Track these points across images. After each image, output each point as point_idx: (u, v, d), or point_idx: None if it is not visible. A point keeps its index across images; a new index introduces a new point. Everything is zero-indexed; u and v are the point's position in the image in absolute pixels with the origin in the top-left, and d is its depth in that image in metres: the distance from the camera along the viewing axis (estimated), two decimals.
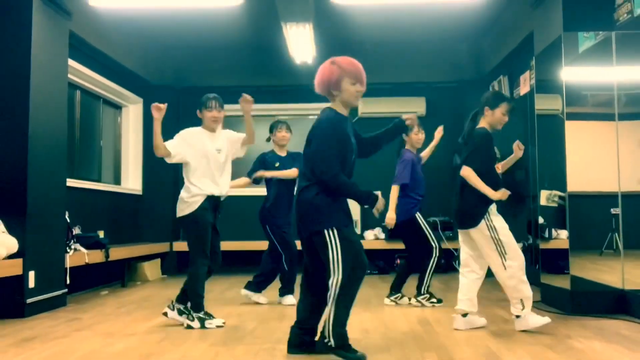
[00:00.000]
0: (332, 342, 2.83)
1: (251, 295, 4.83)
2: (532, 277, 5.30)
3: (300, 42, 5.99)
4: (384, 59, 7.47)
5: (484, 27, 6.88)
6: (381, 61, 7.46)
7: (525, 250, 6.08)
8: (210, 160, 3.92)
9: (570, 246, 4.25)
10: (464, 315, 3.65)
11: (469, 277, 3.72)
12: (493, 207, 3.62)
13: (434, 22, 6.56)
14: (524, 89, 6.18)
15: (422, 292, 4.62)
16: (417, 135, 4.70)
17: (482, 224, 3.56)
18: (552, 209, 4.63)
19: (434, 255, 4.57)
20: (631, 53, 4.23)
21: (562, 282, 4.31)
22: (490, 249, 3.57)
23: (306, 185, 2.93)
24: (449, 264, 7.20)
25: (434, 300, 4.61)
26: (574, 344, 3.16)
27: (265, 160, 4.86)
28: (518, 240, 6.33)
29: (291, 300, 4.71)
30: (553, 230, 4.67)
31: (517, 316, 3.56)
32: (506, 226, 3.59)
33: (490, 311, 4.22)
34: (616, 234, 4.25)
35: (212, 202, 3.89)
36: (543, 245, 4.83)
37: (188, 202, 3.85)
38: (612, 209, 4.27)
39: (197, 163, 3.92)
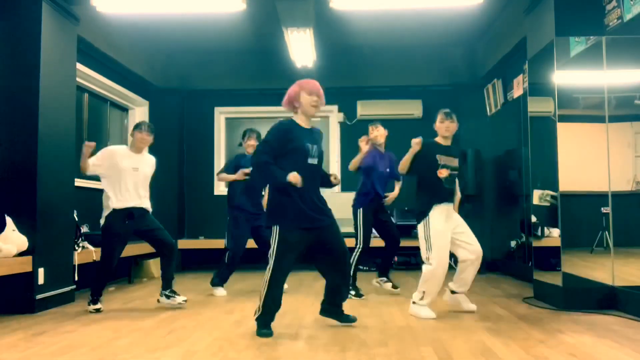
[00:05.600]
0: None
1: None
2: (525, 274, 5.36)
3: (301, 47, 6.04)
4: (382, 63, 7.53)
5: (479, 33, 6.93)
6: (379, 65, 7.52)
7: (518, 248, 6.15)
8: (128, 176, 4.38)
9: (562, 244, 4.27)
10: (452, 292, 4.20)
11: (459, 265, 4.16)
12: (436, 208, 3.97)
13: (430, 27, 6.61)
14: (517, 92, 6.22)
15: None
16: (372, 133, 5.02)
17: (421, 223, 4.01)
18: (545, 208, 4.66)
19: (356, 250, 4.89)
20: (621, 57, 4.24)
21: (554, 279, 4.33)
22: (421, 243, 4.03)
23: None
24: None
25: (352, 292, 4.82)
26: (565, 338, 3.20)
27: (239, 165, 5.20)
28: (511, 239, 6.44)
29: (221, 292, 5.15)
30: (545, 228, 4.69)
31: (414, 302, 4.03)
32: (441, 229, 3.94)
33: (485, 308, 4.26)
34: (606, 232, 4.26)
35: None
36: (536, 243, 4.86)
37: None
38: (602, 208, 4.29)
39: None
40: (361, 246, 4.85)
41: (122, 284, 6.12)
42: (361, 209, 4.89)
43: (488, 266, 6.71)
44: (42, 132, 4.43)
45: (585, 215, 4.54)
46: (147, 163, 4.56)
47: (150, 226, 4.42)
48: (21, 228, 4.24)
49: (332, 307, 3.71)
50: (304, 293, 5.13)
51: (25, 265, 4.17)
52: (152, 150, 7.68)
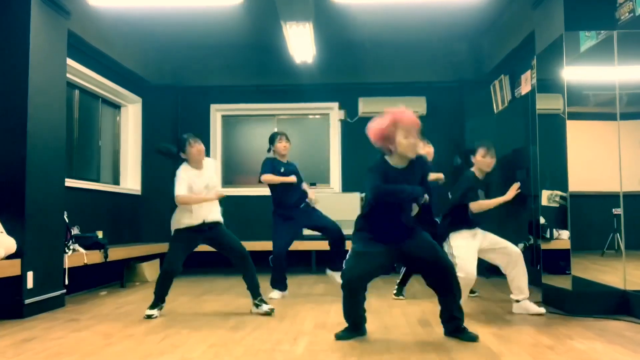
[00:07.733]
0: None
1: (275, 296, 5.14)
2: (534, 278, 5.31)
3: (300, 42, 6.02)
4: (385, 59, 7.52)
5: (485, 27, 6.92)
6: (381, 61, 7.52)
7: (526, 251, 6.08)
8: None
9: (571, 246, 4.26)
10: (517, 301, 4.22)
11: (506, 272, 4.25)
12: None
13: (435, 21, 6.60)
14: (525, 88, 6.20)
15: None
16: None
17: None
18: (554, 209, 4.65)
19: None
20: (633, 52, 4.23)
21: (563, 283, 4.32)
22: None
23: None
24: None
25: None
26: (575, 344, 3.16)
27: (274, 166, 5.21)
28: (519, 241, 6.35)
29: (276, 294, 5.05)
30: (554, 230, 4.68)
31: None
32: (463, 244, 4.13)
33: (492, 312, 4.25)
34: (618, 234, 4.26)
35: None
36: (544, 246, 4.84)
37: None
38: (613, 209, 4.28)
39: None
40: None
41: (114, 288, 6.07)
42: None
43: (495, 269, 6.63)
44: (31, 131, 4.40)
45: (596, 217, 4.55)
46: (210, 170, 4.41)
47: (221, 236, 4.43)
48: (9, 230, 4.19)
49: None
50: (303, 297, 5.10)
51: (13, 268, 4.13)
52: (147, 149, 7.55)
